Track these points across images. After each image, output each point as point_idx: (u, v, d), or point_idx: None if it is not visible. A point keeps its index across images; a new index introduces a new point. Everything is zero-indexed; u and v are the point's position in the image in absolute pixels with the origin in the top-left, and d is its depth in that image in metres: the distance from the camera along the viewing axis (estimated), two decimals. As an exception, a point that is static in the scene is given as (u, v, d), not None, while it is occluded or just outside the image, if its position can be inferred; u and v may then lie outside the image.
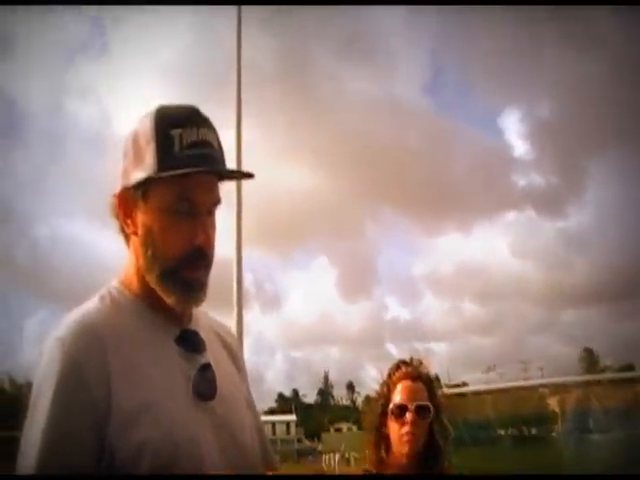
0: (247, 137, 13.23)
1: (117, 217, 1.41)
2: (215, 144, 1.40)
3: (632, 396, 7.59)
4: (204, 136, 1.38)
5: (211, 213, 1.40)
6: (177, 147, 1.34)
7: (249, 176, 1.48)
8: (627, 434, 8.01)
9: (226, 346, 1.56)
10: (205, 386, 1.36)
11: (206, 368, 1.38)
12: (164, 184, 1.34)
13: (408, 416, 2.28)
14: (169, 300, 1.36)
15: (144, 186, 1.36)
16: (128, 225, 1.39)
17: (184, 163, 1.33)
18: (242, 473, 1.39)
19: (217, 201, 1.41)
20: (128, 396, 1.25)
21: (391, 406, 2.31)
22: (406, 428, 2.27)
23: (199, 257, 1.36)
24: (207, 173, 1.37)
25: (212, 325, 1.55)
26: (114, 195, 1.41)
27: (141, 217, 1.37)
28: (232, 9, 13.74)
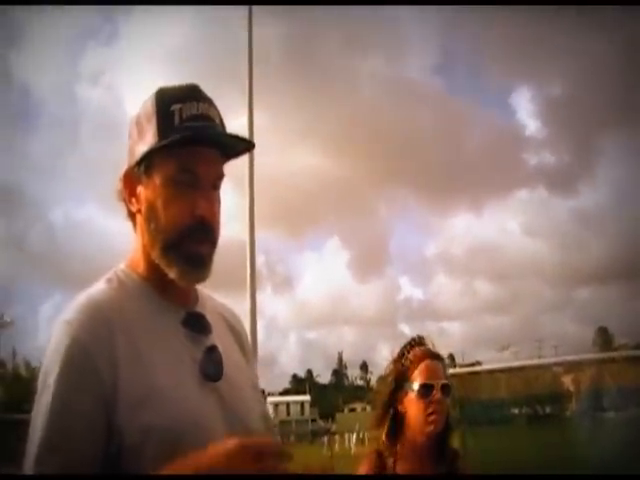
0: (259, 120, 13.28)
1: (123, 199, 1.43)
2: (217, 120, 1.40)
3: (646, 374, 7.55)
4: (205, 110, 1.38)
5: (215, 187, 1.40)
6: (177, 120, 1.35)
7: (250, 144, 1.45)
8: (641, 412, 7.99)
9: (232, 329, 1.56)
10: (211, 368, 1.36)
11: (212, 350, 1.39)
12: (165, 157, 1.34)
13: (436, 395, 2.27)
14: (172, 274, 1.36)
15: (147, 161, 1.36)
16: (133, 204, 1.40)
17: (184, 134, 1.33)
18: None
19: (220, 175, 1.40)
20: (135, 379, 1.25)
21: (415, 385, 2.30)
22: (434, 407, 2.27)
23: (202, 230, 1.35)
24: (208, 145, 1.37)
25: (218, 308, 1.55)
26: (120, 177, 1.42)
27: (144, 193, 1.38)
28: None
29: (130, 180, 1.41)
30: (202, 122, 1.37)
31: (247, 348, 1.59)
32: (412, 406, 2.31)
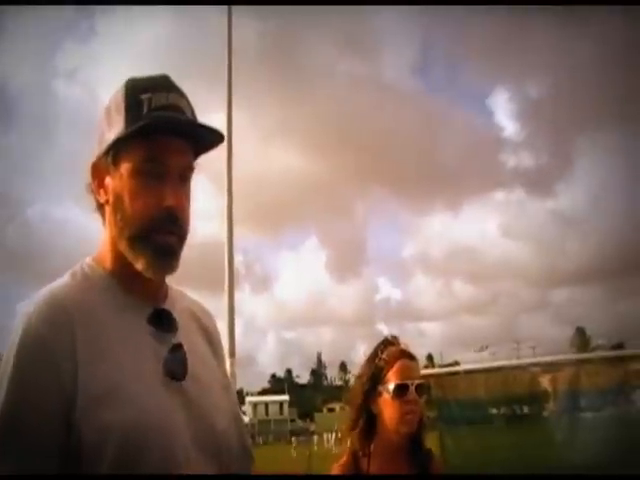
0: (237, 119, 13.21)
1: (92, 191, 1.41)
2: (187, 111, 1.37)
3: (623, 375, 7.62)
4: (175, 101, 1.35)
5: (184, 179, 1.37)
6: (146, 109, 1.32)
7: (218, 135, 1.41)
8: (618, 413, 8.06)
9: (202, 327, 1.52)
10: (176, 366, 1.33)
11: (177, 348, 1.35)
12: (133, 146, 1.31)
13: (411, 395, 2.27)
14: (139, 265, 1.33)
15: (114, 150, 1.33)
16: (101, 195, 1.37)
17: (151, 122, 1.31)
18: (213, 455, 1.36)
19: (189, 166, 1.37)
20: (96, 375, 1.22)
21: (391, 385, 2.30)
22: (409, 407, 2.26)
23: (169, 221, 1.32)
24: (176, 135, 1.34)
25: (189, 305, 1.52)
26: (88, 168, 1.40)
27: (112, 183, 1.35)
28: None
29: (98, 171, 1.38)
30: (171, 112, 1.34)
31: (218, 346, 1.57)
32: (387, 406, 2.31)
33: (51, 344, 1.24)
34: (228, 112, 12.84)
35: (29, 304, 1.30)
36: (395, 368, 2.32)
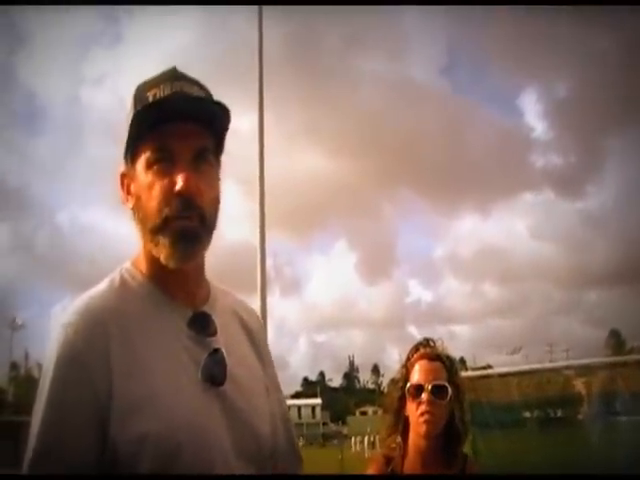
0: (266, 122, 13.13)
1: (124, 201, 1.40)
2: (195, 94, 1.35)
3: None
4: (179, 88, 1.34)
5: (198, 160, 1.34)
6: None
7: (221, 107, 1.36)
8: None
9: (246, 328, 1.50)
10: (215, 371, 1.32)
11: (216, 352, 1.34)
12: (144, 143, 1.32)
13: (424, 396, 2.27)
14: (161, 257, 1.31)
15: (130, 152, 1.35)
16: (129, 200, 1.38)
17: (142, 110, 1.31)
18: (255, 460, 1.35)
19: (201, 147, 1.34)
20: (131, 386, 1.22)
21: (408, 386, 2.30)
22: (422, 408, 2.26)
23: (184, 206, 1.29)
24: (181, 119, 1.32)
25: (233, 306, 1.51)
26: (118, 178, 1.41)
27: (134, 186, 1.36)
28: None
29: (123, 178, 1.39)
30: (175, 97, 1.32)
31: (263, 348, 1.53)
32: (409, 408, 2.31)
33: (86, 358, 1.23)
34: (260, 115, 12.84)
35: (66, 314, 1.29)
36: (415, 369, 2.32)
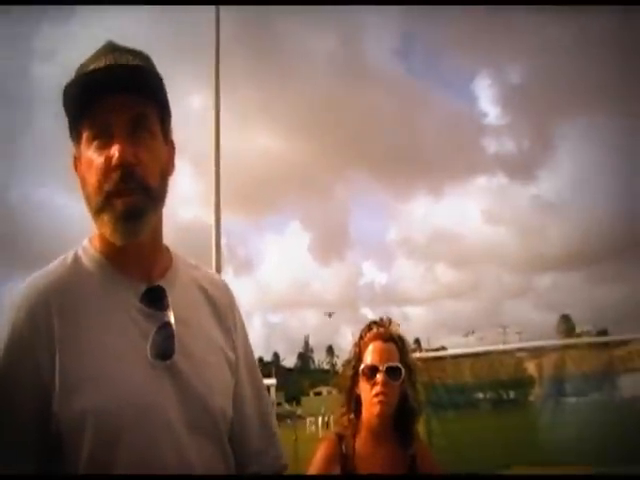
0: (221, 103, 13.05)
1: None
2: (131, 63, 1.31)
3: (607, 360, 7.69)
4: (112, 61, 1.30)
5: (139, 131, 1.29)
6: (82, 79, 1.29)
7: (137, 67, 1.31)
8: (602, 398, 8.14)
9: (210, 302, 1.46)
10: (162, 345, 1.29)
11: (165, 326, 1.31)
12: (82, 120, 1.28)
13: (379, 377, 2.26)
14: (108, 235, 1.28)
15: (74, 132, 1.31)
16: (79, 181, 1.34)
17: (67, 86, 1.28)
18: (211, 435, 1.33)
19: (137, 115, 1.29)
20: (74, 363, 1.20)
21: (362, 367, 2.29)
22: (377, 389, 2.26)
23: (124, 178, 1.25)
24: (111, 91, 1.27)
25: (199, 280, 1.47)
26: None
27: (80, 168, 1.32)
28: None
29: (76, 162, 1.35)
30: (100, 74, 1.28)
31: (229, 319, 1.49)
32: (362, 388, 2.31)
33: (29, 338, 1.23)
34: (216, 94, 12.74)
35: (13, 294, 1.29)
36: (369, 350, 2.33)
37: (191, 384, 1.31)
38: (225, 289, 1.54)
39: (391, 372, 2.28)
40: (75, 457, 1.19)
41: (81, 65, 1.33)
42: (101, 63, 1.29)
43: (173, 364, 1.30)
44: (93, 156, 1.27)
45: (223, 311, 1.48)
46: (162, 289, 1.35)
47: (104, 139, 1.27)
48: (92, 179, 1.27)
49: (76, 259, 1.35)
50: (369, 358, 2.32)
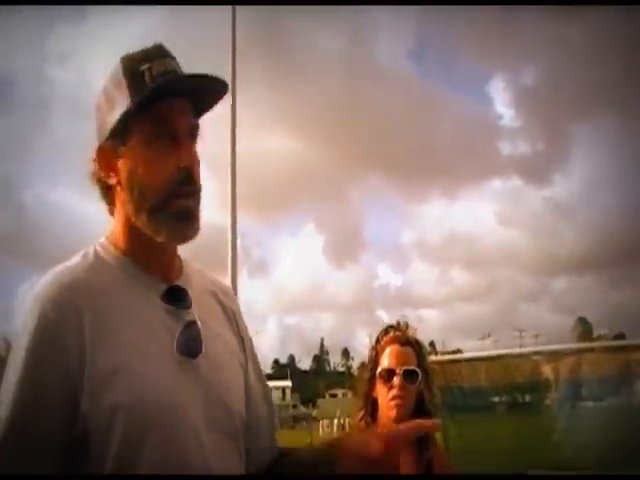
0: (237, 105, 13.08)
1: (98, 180, 1.38)
2: (209, 75, 1.36)
3: (624, 364, 7.63)
4: (172, 67, 1.34)
5: (193, 138, 1.36)
6: (148, 78, 1.31)
7: (223, 86, 1.38)
8: (619, 402, 8.08)
9: (222, 305, 1.49)
10: (189, 343, 1.31)
11: (191, 325, 1.33)
12: (142, 116, 1.30)
13: (396, 380, 2.28)
14: (162, 236, 1.31)
15: (122, 127, 1.32)
16: (112, 177, 1.35)
17: (157, 90, 1.30)
18: (230, 436, 1.35)
19: (196, 125, 1.36)
20: (102, 358, 1.21)
21: (379, 370, 2.31)
22: (394, 392, 2.27)
23: (187, 182, 1.31)
24: (179, 96, 1.34)
25: (207, 284, 1.50)
26: (93, 157, 1.37)
27: (123, 162, 1.33)
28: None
29: (105, 153, 1.36)
30: (171, 76, 1.33)
31: (240, 326, 1.53)
32: (379, 392, 2.33)
33: (59, 330, 1.22)
34: (232, 97, 12.79)
35: (38, 287, 1.28)
36: (386, 353, 2.34)
37: (212, 385, 1.33)
38: (232, 295, 1.58)
39: (408, 375, 2.30)
40: (102, 455, 1.19)
41: (131, 57, 1.36)
42: (162, 66, 1.33)
43: (196, 363, 1.32)
44: (155, 155, 1.31)
45: (232, 316, 1.51)
46: (183, 289, 1.38)
47: (167, 141, 1.31)
48: (152, 177, 1.31)
49: (97, 256, 1.36)
50: (386, 361, 2.33)
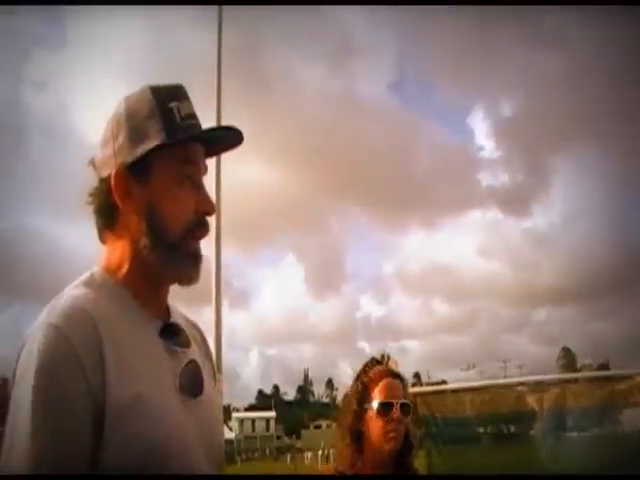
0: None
1: (103, 201, 1.36)
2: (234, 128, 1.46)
3: (608, 395, 7.65)
4: (194, 111, 1.41)
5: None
6: (178, 118, 1.35)
7: (240, 138, 1.45)
8: (603, 433, 8.09)
9: (201, 340, 1.54)
10: (192, 383, 1.34)
11: (191, 364, 1.36)
12: (169, 154, 1.34)
13: (395, 413, 2.29)
14: (171, 274, 1.35)
15: (146, 160, 1.33)
16: (127, 204, 1.34)
17: (188, 132, 1.36)
18: (219, 465, 1.39)
19: (206, 171, 1.43)
20: (121, 387, 1.21)
21: (375, 404, 2.32)
22: (392, 425, 2.30)
23: (202, 226, 1.36)
24: (200, 142, 1.40)
25: (185, 318, 1.52)
26: (112, 176, 1.35)
27: (145, 193, 1.33)
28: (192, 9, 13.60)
29: (123, 180, 1.34)
30: (195, 120, 1.40)
31: (208, 358, 1.55)
32: (372, 424, 2.34)
33: (82, 358, 1.19)
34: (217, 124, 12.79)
35: (52, 315, 1.23)
36: (380, 386, 2.35)
37: (208, 420, 1.36)
38: (201, 329, 1.61)
39: (403, 408, 2.33)
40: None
41: (159, 91, 1.38)
42: (189, 108, 1.39)
43: (196, 402, 1.34)
44: (179, 194, 1.35)
45: (207, 350, 1.56)
46: (178, 326, 1.41)
47: (190, 182, 1.37)
48: (175, 215, 1.34)
49: (99, 286, 1.34)
50: (381, 395, 2.34)
